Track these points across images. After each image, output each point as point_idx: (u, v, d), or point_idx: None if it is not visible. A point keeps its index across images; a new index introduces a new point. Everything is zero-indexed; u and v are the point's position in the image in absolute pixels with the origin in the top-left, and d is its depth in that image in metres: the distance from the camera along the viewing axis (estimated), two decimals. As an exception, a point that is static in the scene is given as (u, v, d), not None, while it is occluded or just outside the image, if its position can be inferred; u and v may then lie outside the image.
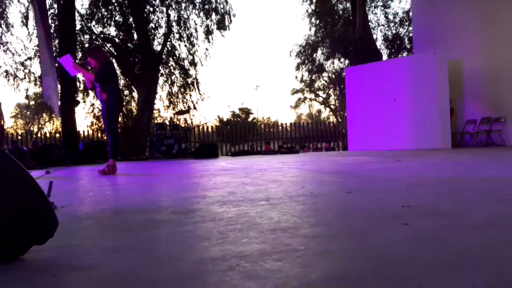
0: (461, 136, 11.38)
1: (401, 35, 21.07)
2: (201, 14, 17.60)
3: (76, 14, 14.76)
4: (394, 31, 21.37)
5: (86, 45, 15.88)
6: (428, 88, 10.58)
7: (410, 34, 18.07)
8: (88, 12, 16.53)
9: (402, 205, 2.12)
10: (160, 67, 17.21)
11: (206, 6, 17.56)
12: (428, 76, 10.62)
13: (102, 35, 16.78)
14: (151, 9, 17.01)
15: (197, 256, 1.35)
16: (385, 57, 20.16)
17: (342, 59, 21.14)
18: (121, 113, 16.63)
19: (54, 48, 13.62)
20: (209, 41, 17.68)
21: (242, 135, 18.54)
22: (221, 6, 17.61)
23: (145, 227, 1.90)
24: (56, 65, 10.94)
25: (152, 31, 17.11)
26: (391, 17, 21.39)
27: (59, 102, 10.41)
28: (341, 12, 21.92)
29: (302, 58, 22.39)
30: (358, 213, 2.04)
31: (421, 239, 1.47)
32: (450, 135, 10.54)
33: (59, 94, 11.35)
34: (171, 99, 17.71)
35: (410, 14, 16.71)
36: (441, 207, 2.12)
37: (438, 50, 10.71)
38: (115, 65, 15.93)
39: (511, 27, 10.39)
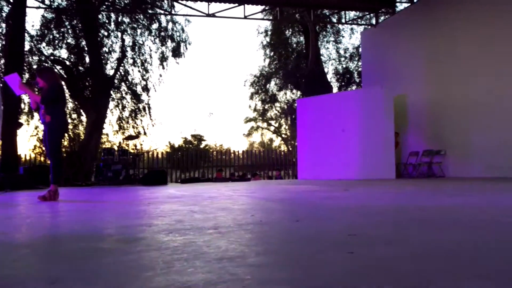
0: (404, 167, 11.87)
1: (351, 69, 21.98)
2: (157, 40, 17.60)
3: (26, 34, 14.28)
4: (344, 65, 22.26)
5: (35, 67, 15.34)
6: (375, 121, 11.04)
7: (359, 69, 18.89)
8: (38, 33, 16.06)
9: (348, 234, 2.16)
10: (111, 92, 16.88)
11: (162, 33, 17.58)
12: (375, 109, 11.09)
13: (52, 57, 16.30)
14: (106, 33, 16.80)
15: (140, 287, 1.30)
16: (335, 90, 20.89)
17: (294, 90, 21.68)
18: (67, 137, 16.11)
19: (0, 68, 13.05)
20: (163, 68, 17.65)
21: (193, 161, 18.36)
22: (177, 34, 17.71)
23: (85, 256, 1.82)
24: (1, 85, 10.44)
25: (106, 55, 16.84)
26: (342, 52, 22.31)
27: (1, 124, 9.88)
28: (294, 45, 22.62)
29: (256, 88, 22.77)
30: (306, 242, 2.06)
31: (365, 267, 1.50)
32: (394, 166, 10.97)
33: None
34: (121, 124, 17.34)
35: (360, 50, 17.54)
36: (385, 235, 2.19)
37: (385, 85, 11.25)
38: (65, 87, 15.47)
39: (451, 65, 11.13)
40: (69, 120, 16.46)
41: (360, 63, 18.23)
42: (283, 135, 24.85)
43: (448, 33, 11.23)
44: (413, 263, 1.55)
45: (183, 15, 15.45)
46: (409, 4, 13.33)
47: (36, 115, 15.43)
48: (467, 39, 10.73)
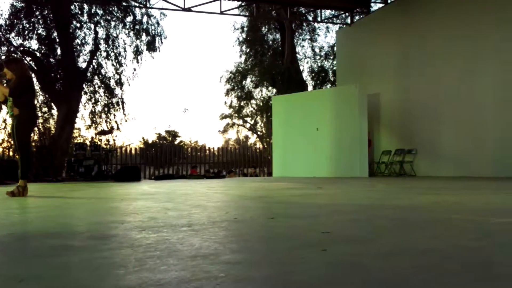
0: (377, 166, 12.07)
1: (326, 68, 22.15)
2: (131, 34, 17.25)
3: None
4: (319, 64, 22.42)
5: (3, 57, 14.85)
6: (349, 119, 11.18)
7: (334, 68, 19.05)
8: (7, 23, 15.52)
9: (322, 231, 2.18)
10: (84, 85, 16.49)
11: (137, 27, 17.26)
12: (349, 108, 11.24)
13: (22, 48, 15.79)
14: (78, 25, 16.38)
15: (112, 285, 1.28)
16: (310, 88, 21.03)
17: (270, 88, 21.70)
18: (37, 131, 15.66)
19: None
20: (137, 62, 17.31)
21: (167, 158, 18.16)
22: (152, 27, 17.41)
23: (55, 253, 1.77)
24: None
25: (78, 47, 16.42)
26: (317, 50, 22.46)
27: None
28: (270, 42, 22.63)
29: (232, 84, 22.65)
30: (280, 239, 2.06)
31: (338, 264, 1.51)
32: (367, 165, 11.14)
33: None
34: (94, 118, 16.96)
35: (335, 49, 17.69)
36: (358, 233, 2.21)
37: (359, 84, 11.41)
38: (34, 80, 15.05)
39: (422, 66, 11.36)
40: (40, 114, 16.00)
41: (335, 62, 18.39)
42: (259, 133, 24.88)
43: (420, 34, 11.46)
44: (387, 260, 1.57)
45: (158, 8, 15.18)
46: (383, 5, 13.53)
47: (4, 107, 14.96)
48: (439, 40, 10.98)
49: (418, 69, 11.46)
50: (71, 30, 16.04)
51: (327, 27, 21.47)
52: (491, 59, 9.86)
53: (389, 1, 13.43)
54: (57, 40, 15.99)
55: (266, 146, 21.77)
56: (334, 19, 16.82)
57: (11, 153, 15.34)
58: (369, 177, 10.83)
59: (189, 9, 13.34)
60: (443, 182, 7.62)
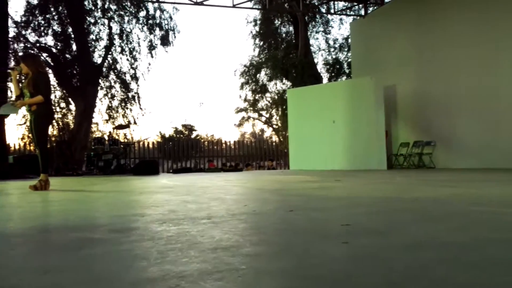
0: (395, 158, 11.95)
1: (341, 60, 21.94)
2: (145, 28, 17.41)
3: (10, 20, 14.02)
4: (334, 56, 22.22)
5: (20, 54, 15.09)
6: (365, 112, 11.07)
7: (349, 60, 18.86)
8: (23, 19, 15.78)
9: (341, 224, 2.17)
10: (100, 80, 16.69)
11: (150, 21, 17.40)
12: (365, 100, 11.12)
13: (38, 44, 16.04)
14: (92, 20, 16.56)
15: (135, 277, 1.30)
16: (325, 81, 20.86)
17: (284, 81, 21.58)
18: (56, 126, 15.94)
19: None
20: (152, 56, 17.49)
21: (184, 152, 18.29)
22: (166, 22, 17.54)
23: (78, 246, 1.80)
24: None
25: (93, 42, 16.63)
26: (331, 42, 22.25)
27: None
28: (284, 35, 22.49)
29: (246, 78, 22.57)
30: (300, 231, 2.07)
31: (359, 257, 1.51)
32: (385, 157, 11.02)
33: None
34: (111, 113, 17.19)
35: (349, 40, 17.51)
36: (378, 226, 2.20)
37: (375, 75, 11.27)
38: (51, 75, 15.28)
39: (439, 57, 11.16)
40: (58, 109, 16.29)
41: (349, 54, 18.20)
42: (274, 126, 24.81)
43: (435, 25, 11.25)
44: (408, 252, 1.56)
45: (171, 2, 15.18)
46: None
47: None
48: (455, 30, 10.76)
49: (435, 60, 11.26)
50: (85, 26, 16.23)
51: (341, 19, 21.23)
52: (511, 50, 9.62)
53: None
54: (72, 36, 16.19)
55: (282, 139, 21.72)
56: (348, 10, 16.61)
57: (32, 148, 15.63)
58: (388, 169, 10.73)
59: (201, 3, 13.31)
60: (462, 174, 7.51)
